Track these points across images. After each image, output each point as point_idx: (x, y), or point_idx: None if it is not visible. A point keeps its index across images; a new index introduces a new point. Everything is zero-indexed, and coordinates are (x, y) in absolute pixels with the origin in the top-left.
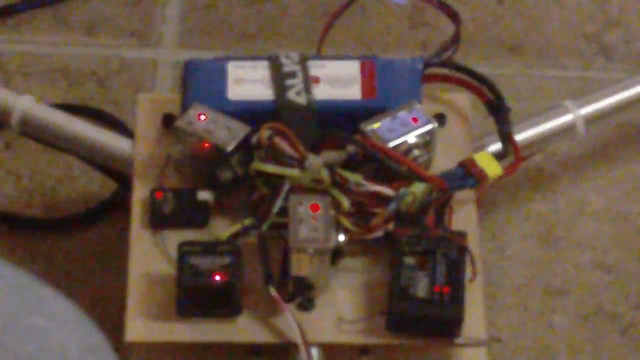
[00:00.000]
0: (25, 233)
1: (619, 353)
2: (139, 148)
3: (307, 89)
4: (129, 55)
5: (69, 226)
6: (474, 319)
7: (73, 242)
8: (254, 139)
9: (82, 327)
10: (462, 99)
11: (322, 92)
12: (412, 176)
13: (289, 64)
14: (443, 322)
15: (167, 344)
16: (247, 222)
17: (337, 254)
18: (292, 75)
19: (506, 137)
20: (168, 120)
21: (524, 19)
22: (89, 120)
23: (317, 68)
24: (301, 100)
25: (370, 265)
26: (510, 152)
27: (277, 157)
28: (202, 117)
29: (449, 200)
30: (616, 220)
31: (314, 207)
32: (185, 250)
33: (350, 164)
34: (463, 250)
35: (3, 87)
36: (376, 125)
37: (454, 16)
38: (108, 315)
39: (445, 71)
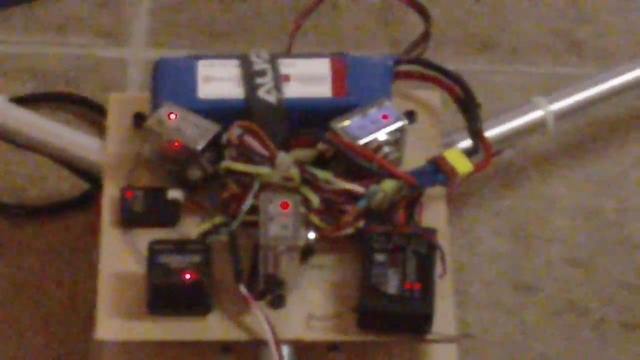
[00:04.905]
0: None
1: (590, 348)
2: (109, 147)
3: (278, 87)
4: (99, 55)
5: (38, 218)
6: (445, 316)
7: (44, 240)
8: (224, 138)
9: None
10: (433, 95)
11: (292, 90)
12: (382, 173)
13: (259, 63)
14: (413, 319)
15: (138, 342)
16: (218, 220)
17: (307, 251)
18: (262, 73)
19: (476, 134)
20: (138, 120)
21: (495, 15)
22: (67, 106)
23: (287, 66)
24: (271, 98)
25: (341, 262)
26: (480, 148)
27: (247, 156)
28: (172, 116)
29: (419, 197)
30: (586, 216)
31: (284, 205)
32: (155, 249)
33: (320, 162)
34: (433, 247)
35: None
36: (346, 123)
37: (424, 13)
38: (80, 312)
39: (415, 68)
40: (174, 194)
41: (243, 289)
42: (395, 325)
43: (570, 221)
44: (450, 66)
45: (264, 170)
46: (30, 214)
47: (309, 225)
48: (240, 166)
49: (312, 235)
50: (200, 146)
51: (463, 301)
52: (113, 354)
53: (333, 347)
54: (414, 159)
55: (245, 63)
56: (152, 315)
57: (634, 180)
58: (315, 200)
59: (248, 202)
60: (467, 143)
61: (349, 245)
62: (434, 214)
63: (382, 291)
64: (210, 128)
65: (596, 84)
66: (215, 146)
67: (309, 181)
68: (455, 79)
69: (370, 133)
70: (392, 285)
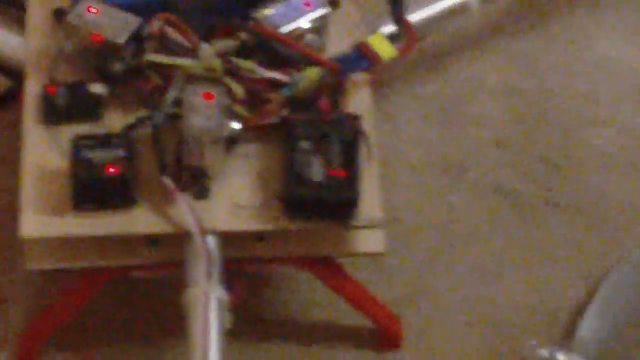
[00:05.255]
0: None
1: (514, 227)
2: (30, 44)
3: None
4: None
5: None
6: (370, 201)
7: None
8: (145, 30)
9: None
10: None
11: None
12: (306, 61)
13: None
14: (339, 205)
15: (63, 239)
16: (141, 113)
17: (231, 141)
18: None
19: (399, 19)
20: (59, 15)
21: None
22: None
23: None
24: None
25: (266, 152)
26: (404, 33)
27: (170, 48)
28: (93, 10)
29: (343, 84)
30: (511, 96)
31: (208, 96)
32: (79, 144)
33: (243, 52)
34: (357, 132)
35: None
36: (269, 11)
37: None
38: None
39: None
40: (97, 88)
41: (167, 180)
42: (321, 212)
43: (496, 102)
44: None
45: (186, 62)
46: None
47: (233, 116)
48: (162, 58)
49: (236, 125)
50: (121, 39)
51: (390, 186)
52: (37, 251)
53: (259, 237)
54: (337, 45)
55: None
56: (77, 210)
57: (553, 60)
58: (239, 90)
59: (171, 94)
60: (391, 29)
61: (274, 135)
62: (358, 100)
63: (307, 178)
64: (132, 21)
65: None
66: (137, 39)
67: (232, 71)
68: None
69: (293, 20)
70: (316, 172)
